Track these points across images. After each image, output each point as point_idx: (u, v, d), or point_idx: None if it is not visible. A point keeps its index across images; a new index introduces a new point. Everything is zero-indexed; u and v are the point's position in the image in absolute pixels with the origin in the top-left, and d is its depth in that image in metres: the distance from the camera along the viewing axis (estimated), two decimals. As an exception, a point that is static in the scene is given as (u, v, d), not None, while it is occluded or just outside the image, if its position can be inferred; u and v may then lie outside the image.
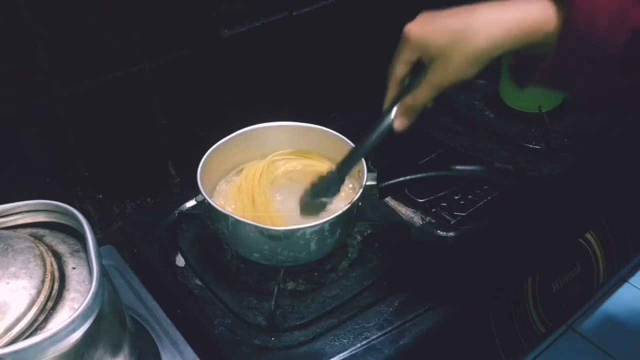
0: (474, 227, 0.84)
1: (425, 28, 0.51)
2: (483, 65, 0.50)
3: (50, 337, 0.46)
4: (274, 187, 0.79)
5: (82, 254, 0.57)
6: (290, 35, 0.94)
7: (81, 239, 0.58)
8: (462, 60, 0.50)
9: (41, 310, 0.50)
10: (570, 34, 0.46)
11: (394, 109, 0.56)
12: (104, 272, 0.53)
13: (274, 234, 0.68)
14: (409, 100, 0.55)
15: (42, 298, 0.50)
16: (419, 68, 0.54)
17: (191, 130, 0.91)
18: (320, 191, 0.68)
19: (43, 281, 0.51)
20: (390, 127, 0.57)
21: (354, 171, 0.78)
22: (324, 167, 0.80)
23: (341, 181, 0.66)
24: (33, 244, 0.55)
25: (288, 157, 0.83)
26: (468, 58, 0.49)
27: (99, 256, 0.53)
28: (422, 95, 0.54)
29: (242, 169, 0.83)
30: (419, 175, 0.75)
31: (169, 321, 0.73)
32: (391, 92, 0.56)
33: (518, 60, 0.52)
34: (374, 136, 0.58)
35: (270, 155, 0.83)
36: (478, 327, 0.81)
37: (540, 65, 0.48)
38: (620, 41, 0.45)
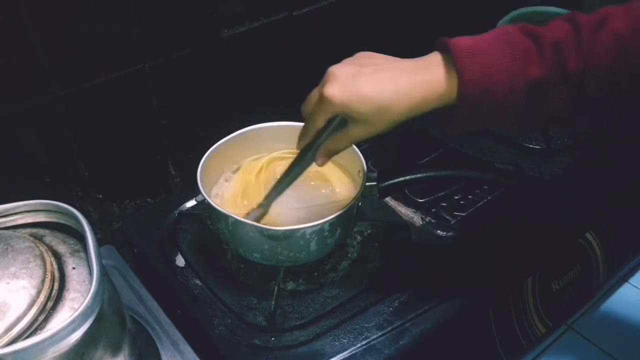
0: (474, 227, 0.84)
1: (348, 95, 0.56)
2: (397, 126, 0.58)
3: (50, 337, 0.46)
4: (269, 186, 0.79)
5: (82, 254, 0.57)
6: (290, 35, 0.94)
7: (81, 239, 0.58)
8: (382, 124, 0.57)
9: (41, 310, 0.50)
10: (467, 100, 0.53)
11: (313, 150, 0.64)
12: (104, 272, 0.53)
13: (274, 234, 0.68)
14: (331, 145, 0.62)
15: (42, 298, 0.50)
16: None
17: (191, 130, 0.91)
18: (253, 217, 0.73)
19: (43, 281, 0.51)
20: (309, 165, 0.66)
21: (354, 171, 0.78)
22: (325, 172, 0.80)
23: (267, 209, 0.73)
24: (33, 244, 0.55)
25: (288, 155, 0.83)
26: (387, 122, 0.56)
27: (99, 256, 0.53)
28: (343, 143, 0.62)
29: (244, 168, 0.83)
30: (419, 175, 0.75)
31: (169, 321, 0.73)
32: (308, 138, 0.63)
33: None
34: (298, 171, 0.68)
35: (269, 155, 0.83)
36: (478, 327, 0.81)
37: (452, 121, 0.56)
38: (520, 93, 0.52)
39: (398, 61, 0.57)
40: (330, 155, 0.64)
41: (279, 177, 0.71)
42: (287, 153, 0.83)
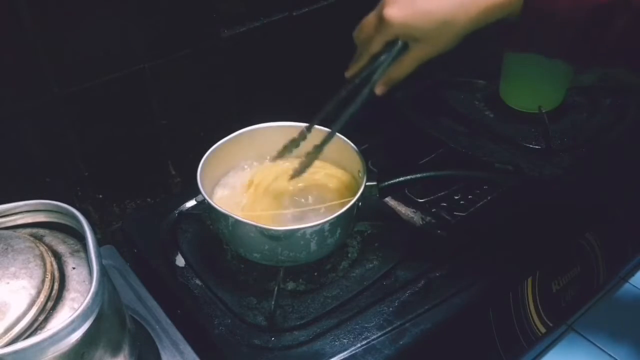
0: (474, 227, 0.84)
1: (407, 13, 0.54)
2: (462, 39, 0.56)
3: (50, 337, 0.46)
4: (278, 201, 0.78)
5: (82, 254, 0.57)
6: (290, 35, 0.94)
7: (81, 239, 0.58)
8: (445, 40, 0.55)
9: (41, 310, 0.50)
10: (531, 10, 0.51)
11: (368, 79, 0.61)
12: (104, 272, 0.53)
13: (274, 234, 0.68)
14: (394, 72, 0.60)
15: (42, 298, 0.50)
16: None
17: (191, 130, 0.91)
18: (307, 162, 0.71)
19: (43, 281, 0.51)
20: (370, 94, 0.62)
21: (354, 171, 0.78)
22: (325, 172, 0.80)
23: (317, 155, 0.70)
24: (33, 244, 0.55)
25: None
26: (450, 38, 0.55)
27: (99, 256, 0.53)
28: (407, 67, 0.59)
29: (244, 168, 0.83)
30: (419, 175, 0.75)
31: (169, 321, 0.73)
32: (361, 63, 0.61)
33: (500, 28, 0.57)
34: (356, 106, 0.63)
35: (279, 163, 0.81)
36: (478, 327, 0.81)
37: (511, 32, 0.54)
38: (583, 13, 0.51)
39: None
40: (391, 83, 0.61)
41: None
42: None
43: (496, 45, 0.59)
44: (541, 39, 0.55)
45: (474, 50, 0.70)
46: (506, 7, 0.53)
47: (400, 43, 0.57)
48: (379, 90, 0.62)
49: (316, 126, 0.69)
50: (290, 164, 0.82)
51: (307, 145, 0.70)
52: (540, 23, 0.53)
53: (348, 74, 0.64)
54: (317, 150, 0.69)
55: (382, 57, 0.59)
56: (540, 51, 0.60)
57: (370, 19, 0.59)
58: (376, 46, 0.58)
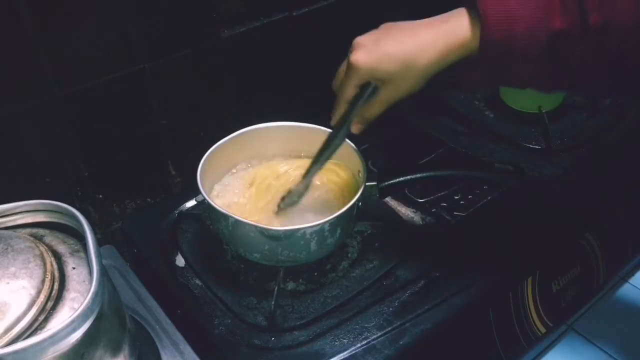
0: (473, 227, 0.84)
1: (371, 57, 0.57)
2: (426, 81, 0.58)
3: (50, 337, 0.46)
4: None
5: (82, 254, 0.57)
6: (290, 35, 0.94)
7: (81, 239, 0.58)
8: (409, 81, 0.58)
9: (41, 310, 0.50)
10: (488, 49, 0.53)
11: (348, 121, 0.64)
12: (104, 272, 0.53)
13: (274, 234, 0.68)
14: (366, 113, 0.63)
15: (42, 298, 0.50)
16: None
17: (191, 130, 0.91)
18: (290, 201, 0.74)
19: (43, 281, 0.51)
20: (347, 135, 0.66)
21: (354, 171, 0.78)
22: (325, 172, 0.80)
23: (308, 184, 0.73)
24: (33, 244, 0.55)
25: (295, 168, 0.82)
26: (413, 79, 0.57)
27: (99, 256, 0.53)
28: (377, 109, 0.62)
29: (244, 168, 0.83)
30: (419, 175, 0.75)
31: (169, 321, 0.73)
32: (341, 109, 0.64)
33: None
34: (337, 143, 0.67)
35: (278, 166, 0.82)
36: (478, 327, 0.81)
37: (472, 71, 0.56)
38: (540, 45, 0.52)
39: (422, 21, 0.58)
40: (365, 122, 0.64)
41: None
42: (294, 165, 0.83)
43: (460, 85, 0.60)
44: (501, 74, 0.56)
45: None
46: (464, 47, 0.55)
47: (372, 85, 0.60)
48: (354, 129, 0.65)
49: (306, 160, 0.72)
50: (289, 165, 0.82)
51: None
52: (499, 59, 0.54)
53: (332, 123, 0.66)
54: (304, 185, 0.72)
55: (356, 99, 0.62)
56: (503, 84, 0.62)
57: (342, 67, 0.61)
58: (350, 91, 0.61)
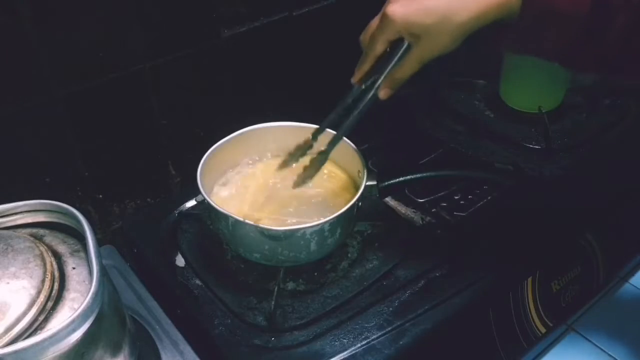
0: (474, 227, 0.84)
1: (409, 10, 0.54)
2: (464, 39, 0.55)
3: (50, 337, 0.46)
4: (278, 201, 0.78)
5: (82, 254, 0.57)
6: (290, 35, 0.94)
7: (81, 239, 0.58)
8: (446, 37, 0.55)
9: (41, 310, 0.50)
10: (530, 8, 0.51)
11: (373, 83, 0.61)
12: (104, 272, 0.53)
13: (274, 234, 0.68)
14: (397, 73, 0.59)
15: (42, 298, 0.50)
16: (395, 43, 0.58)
17: (191, 130, 0.91)
18: (312, 170, 0.71)
19: (43, 281, 0.51)
20: (375, 98, 0.62)
21: (354, 171, 0.78)
22: (325, 172, 0.80)
23: (327, 156, 0.69)
24: (33, 244, 0.55)
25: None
26: (451, 35, 0.54)
27: (99, 256, 0.53)
28: (409, 68, 0.58)
29: (244, 168, 0.83)
30: (419, 175, 0.75)
31: (169, 321, 0.73)
32: (367, 65, 0.61)
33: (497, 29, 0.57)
34: (363, 110, 0.63)
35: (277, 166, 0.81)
36: (478, 327, 0.81)
37: (509, 32, 0.54)
38: (584, 8, 0.50)
39: None
40: (395, 85, 0.61)
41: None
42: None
43: (492, 46, 0.58)
44: (539, 39, 0.54)
45: (474, 50, 0.70)
46: (505, 5, 0.53)
47: (405, 43, 0.57)
48: (382, 93, 0.62)
49: (322, 132, 0.69)
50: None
51: (312, 152, 0.70)
52: (539, 21, 0.52)
53: (354, 79, 0.63)
54: (323, 156, 0.69)
55: (387, 59, 0.59)
56: (538, 52, 0.60)
57: (374, 21, 0.59)
58: (380, 46, 0.58)
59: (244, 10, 0.87)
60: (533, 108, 1.02)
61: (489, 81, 1.11)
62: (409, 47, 0.57)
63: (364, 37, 0.61)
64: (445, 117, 1.06)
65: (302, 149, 0.71)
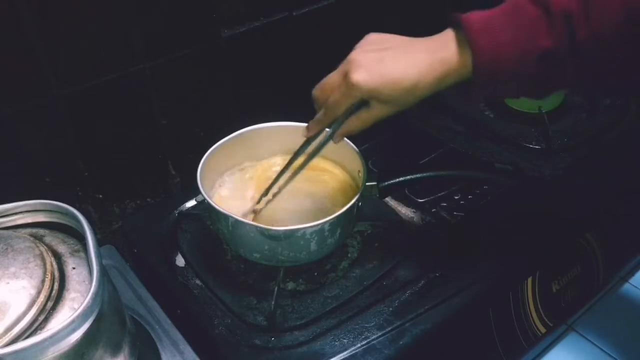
0: (473, 227, 0.84)
1: (376, 81, 0.57)
2: (419, 101, 0.59)
3: (50, 337, 0.46)
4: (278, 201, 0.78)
5: (82, 254, 0.57)
6: (290, 35, 0.94)
7: (81, 239, 0.58)
8: (406, 104, 0.59)
9: (41, 310, 0.50)
10: (481, 75, 0.55)
11: (327, 131, 0.66)
12: (104, 272, 0.53)
13: (274, 234, 0.68)
14: (353, 125, 0.63)
15: (42, 298, 0.50)
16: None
17: (191, 130, 0.91)
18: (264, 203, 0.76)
19: (43, 281, 0.51)
20: (327, 143, 0.67)
21: (354, 171, 0.78)
22: (325, 172, 0.81)
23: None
24: (33, 244, 0.55)
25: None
26: (411, 101, 0.59)
27: (99, 256, 0.53)
28: (366, 123, 0.62)
29: (244, 168, 0.83)
30: (419, 175, 0.75)
31: (169, 321, 0.73)
32: (324, 124, 0.64)
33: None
34: (314, 153, 0.69)
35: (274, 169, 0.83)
36: (478, 327, 0.81)
37: (470, 91, 0.58)
38: (530, 65, 0.54)
39: (414, 41, 0.59)
40: (348, 135, 0.65)
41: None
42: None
43: (465, 99, 0.62)
44: (495, 93, 0.58)
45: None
46: (458, 74, 0.56)
47: (368, 103, 0.60)
48: (336, 140, 0.66)
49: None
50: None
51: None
52: (492, 81, 0.56)
53: (308, 134, 0.67)
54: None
55: (345, 115, 0.62)
56: (501, 98, 0.63)
57: (333, 81, 0.60)
58: (342, 108, 0.61)
59: (244, 10, 0.87)
60: (533, 108, 1.02)
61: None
62: (368, 106, 0.60)
63: (320, 95, 0.62)
64: (445, 117, 1.06)
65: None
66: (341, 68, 0.59)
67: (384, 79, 0.57)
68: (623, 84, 0.61)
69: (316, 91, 0.63)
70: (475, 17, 0.55)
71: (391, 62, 0.57)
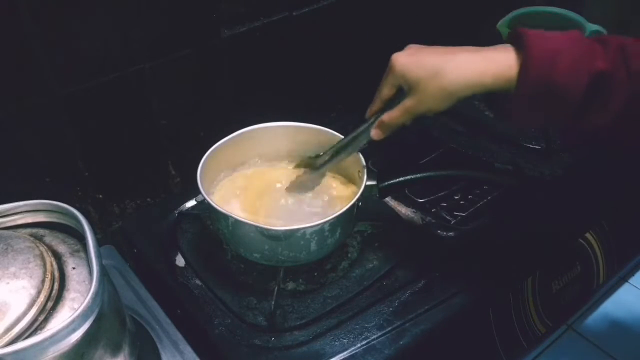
0: (474, 227, 0.84)
1: (408, 60, 0.58)
2: (452, 102, 0.58)
3: (50, 337, 0.46)
4: (278, 201, 0.79)
5: (82, 254, 0.57)
6: (290, 35, 0.94)
7: (81, 239, 0.58)
8: (434, 94, 0.57)
9: (41, 310, 0.50)
10: (527, 80, 0.52)
11: (374, 121, 0.65)
12: (104, 272, 0.53)
13: (274, 234, 0.68)
14: (385, 117, 0.63)
15: (42, 298, 0.50)
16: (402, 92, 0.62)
17: (191, 130, 0.91)
18: (301, 187, 0.78)
19: (43, 281, 0.51)
20: (367, 135, 0.67)
21: (354, 171, 0.78)
22: (325, 172, 0.81)
23: (321, 175, 0.77)
24: (33, 244, 0.55)
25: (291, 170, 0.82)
26: (440, 93, 0.57)
27: (99, 256, 0.53)
28: (396, 116, 0.62)
29: (244, 168, 0.83)
30: (419, 175, 0.75)
31: (169, 321, 0.73)
32: (375, 106, 0.65)
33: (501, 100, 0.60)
34: (351, 138, 0.70)
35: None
36: (478, 327, 0.81)
37: (507, 104, 0.55)
38: (582, 84, 0.50)
39: (457, 48, 0.59)
40: (383, 128, 0.65)
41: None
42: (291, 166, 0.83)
43: (505, 119, 0.61)
44: (540, 111, 0.54)
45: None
46: (501, 76, 0.54)
47: (403, 92, 0.61)
48: (373, 133, 0.66)
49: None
50: (289, 165, 0.82)
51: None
52: (539, 94, 0.52)
53: (367, 114, 0.67)
54: (317, 173, 0.76)
55: (390, 103, 0.63)
56: (540, 121, 0.63)
57: None
58: (385, 89, 0.62)
59: (244, 10, 0.87)
60: (533, 108, 1.01)
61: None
62: (404, 96, 0.61)
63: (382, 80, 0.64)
64: (445, 117, 1.06)
65: (313, 160, 0.76)
66: None
67: (414, 60, 0.58)
68: None
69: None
70: (534, 30, 0.54)
71: (432, 51, 0.58)
